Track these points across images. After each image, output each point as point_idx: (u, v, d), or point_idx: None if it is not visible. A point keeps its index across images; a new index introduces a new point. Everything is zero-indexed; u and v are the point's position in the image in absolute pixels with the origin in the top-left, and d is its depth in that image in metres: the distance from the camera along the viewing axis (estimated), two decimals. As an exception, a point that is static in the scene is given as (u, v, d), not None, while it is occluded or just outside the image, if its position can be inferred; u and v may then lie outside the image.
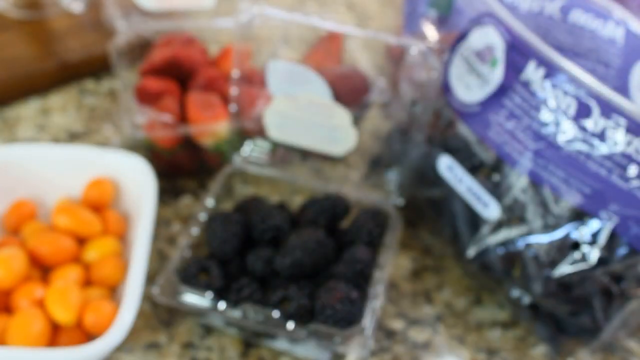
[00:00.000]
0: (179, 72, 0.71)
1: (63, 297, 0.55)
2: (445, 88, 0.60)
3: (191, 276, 0.57)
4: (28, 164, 0.65)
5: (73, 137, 0.75)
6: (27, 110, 0.78)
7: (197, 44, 0.75)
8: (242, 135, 0.67)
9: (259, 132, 0.64)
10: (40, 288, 0.57)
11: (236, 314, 0.56)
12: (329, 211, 0.62)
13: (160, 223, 0.67)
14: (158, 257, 0.65)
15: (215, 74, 0.70)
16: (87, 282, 0.60)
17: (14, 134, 0.75)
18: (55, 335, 0.56)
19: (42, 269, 0.60)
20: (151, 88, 0.69)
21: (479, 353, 0.61)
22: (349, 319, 0.55)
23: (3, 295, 0.57)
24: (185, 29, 0.77)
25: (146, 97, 0.69)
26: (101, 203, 0.64)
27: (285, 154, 0.68)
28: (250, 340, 0.60)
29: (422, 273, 0.66)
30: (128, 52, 0.72)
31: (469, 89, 0.57)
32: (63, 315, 0.55)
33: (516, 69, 0.55)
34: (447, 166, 0.60)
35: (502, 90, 0.56)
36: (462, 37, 0.59)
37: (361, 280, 0.58)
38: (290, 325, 0.55)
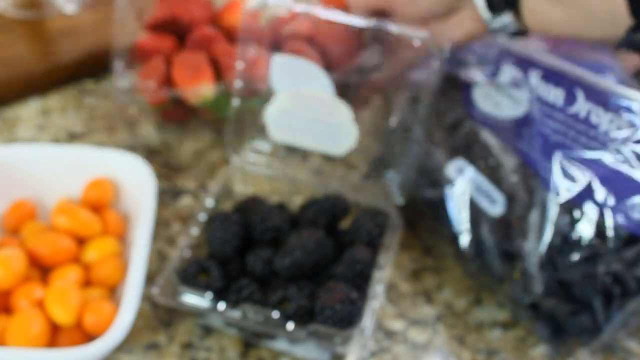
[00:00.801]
0: (177, 29, 0.71)
1: (63, 297, 0.55)
2: (467, 103, 0.62)
3: (191, 276, 0.57)
4: (28, 164, 0.65)
5: (73, 137, 0.75)
6: (27, 110, 0.78)
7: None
8: (228, 96, 0.66)
9: (256, 93, 0.64)
10: (39, 288, 0.57)
11: (236, 314, 0.56)
12: (328, 211, 0.62)
13: (160, 223, 0.67)
14: (158, 257, 0.65)
15: (209, 33, 0.70)
16: (87, 283, 0.60)
17: (14, 134, 0.75)
18: (55, 335, 0.56)
19: (41, 269, 0.60)
20: (146, 46, 0.70)
21: (479, 353, 0.61)
22: (348, 319, 0.55)
23: (3, 295, 0.57)
24: None
25: (142, 55, 0.70)
26: (101, 203, 0.64)
27: (285, 154, 0.68)
28: (250, 341, 0.59)
29: (422, 273, 0.66)
30: (128, 52, 0.72)
31: (499, 107, 0.60)
32: (63, 315, 0.55)
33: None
34: (458, 168, 0.61)
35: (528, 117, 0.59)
36: (492, 74, 0.62)
37: (361, 281, 0.58)
38: (290, 325, 0.55)
